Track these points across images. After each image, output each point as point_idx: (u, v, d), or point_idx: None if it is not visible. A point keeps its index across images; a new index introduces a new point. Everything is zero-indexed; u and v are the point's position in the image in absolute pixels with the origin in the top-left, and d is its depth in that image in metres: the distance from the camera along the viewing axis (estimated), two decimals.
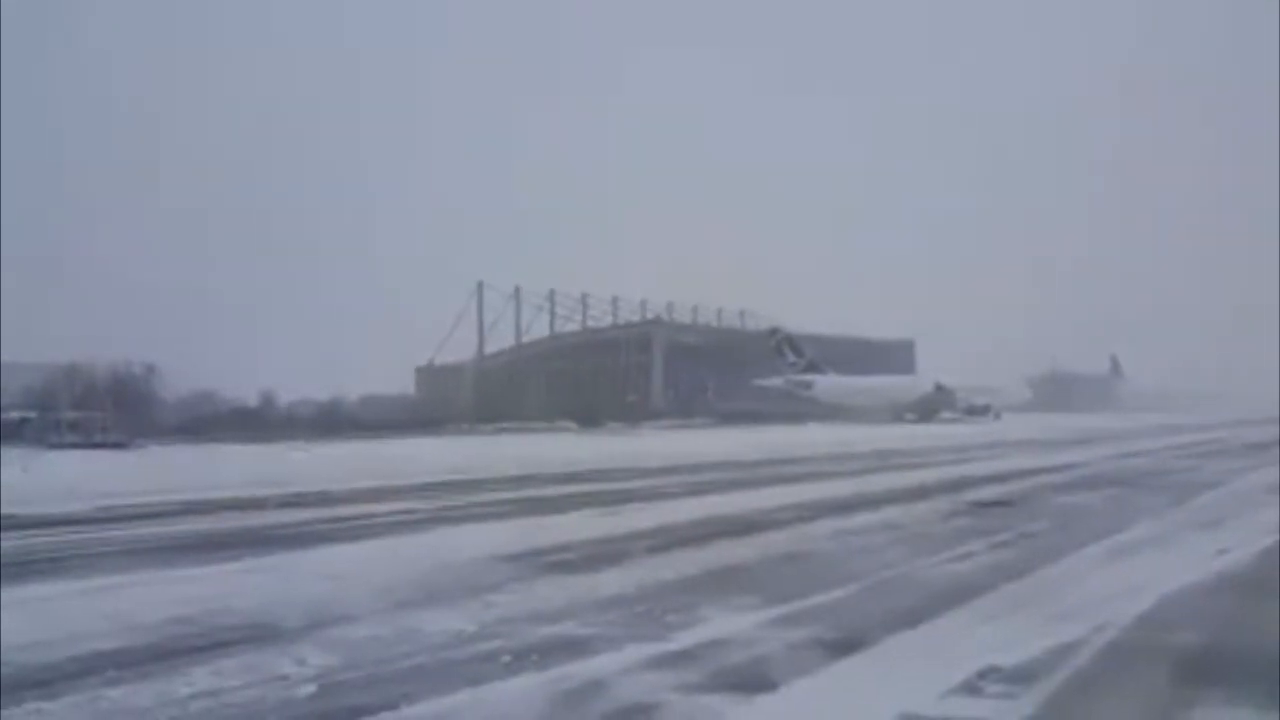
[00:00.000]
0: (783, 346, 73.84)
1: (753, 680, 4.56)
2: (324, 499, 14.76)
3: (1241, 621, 5.74)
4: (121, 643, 5.43)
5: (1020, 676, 4.56)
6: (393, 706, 4.16)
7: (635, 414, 63.10)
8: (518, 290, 79.07)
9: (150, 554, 9.23)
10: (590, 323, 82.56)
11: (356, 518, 12.27)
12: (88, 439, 30.91)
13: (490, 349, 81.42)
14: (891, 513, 11.49)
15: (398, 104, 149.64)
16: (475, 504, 14.02)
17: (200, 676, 4.67)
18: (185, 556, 8.87)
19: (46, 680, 4.66)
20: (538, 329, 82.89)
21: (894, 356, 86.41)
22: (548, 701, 4.25)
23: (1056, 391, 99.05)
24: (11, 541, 10.06)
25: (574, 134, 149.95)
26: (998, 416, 66.36)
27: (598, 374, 74.93)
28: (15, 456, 21.82)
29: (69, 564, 8.56)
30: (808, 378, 71.53)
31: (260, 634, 5.57)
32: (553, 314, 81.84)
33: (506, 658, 4.97)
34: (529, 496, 15.03)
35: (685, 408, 69.31)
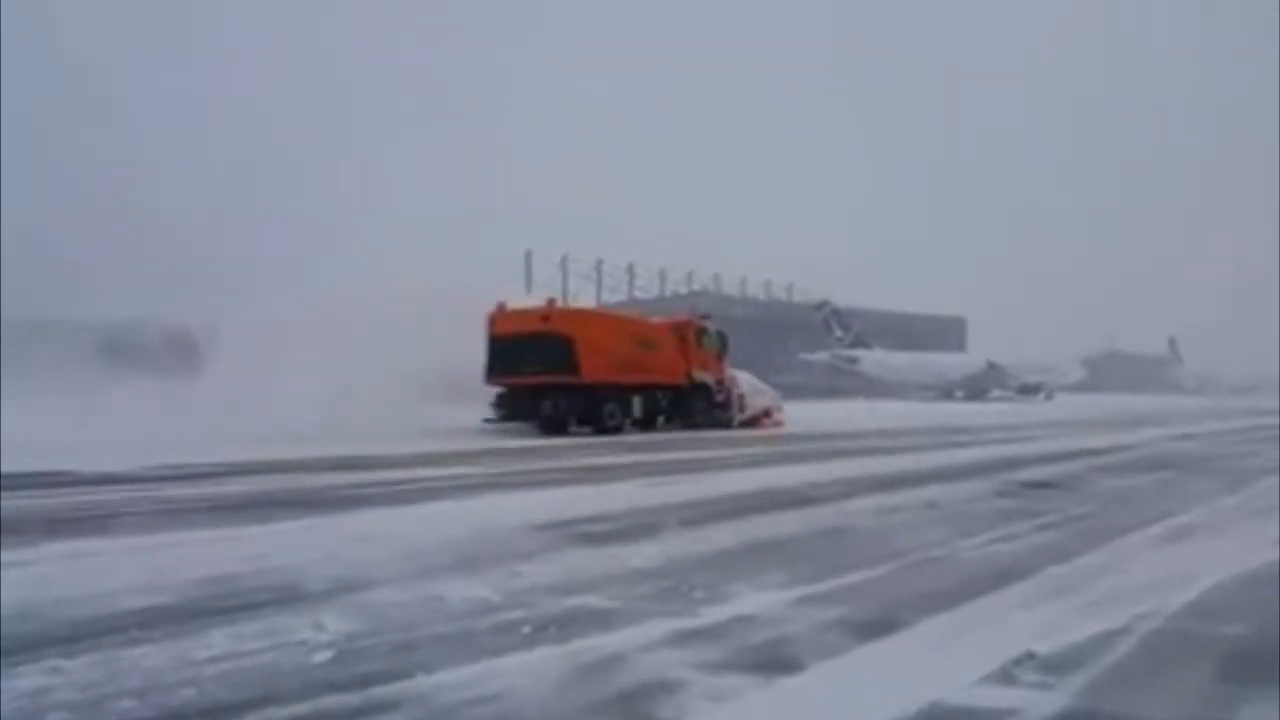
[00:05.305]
0: (830, 320, 73.10)
1: (775, 661, 4.47)
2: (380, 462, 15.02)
3: None
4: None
5: (1057, 665, 4.40)
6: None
7: None
8: (564, 259, 79.24)
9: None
10: (637, 294, 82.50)
11: (402, 481, 12.45)
12: None
13: None
14: (934, 491, 11.24)
15: (443, 72, 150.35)
16: (532, 471, 14.22)
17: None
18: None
19: None
20: (584, 299, 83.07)
21: (945, 333, 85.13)
22: (568, 671, 4.24)
23: (1113, 372, 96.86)
24: None
25: (626, 103, 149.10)
26: (1050, 396, 65.13)
27: None
28: None
29: None
30: (854, 353, 70.77)
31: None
32: (599, 284, 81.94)
33: (527, 629, 4.97)
34: (564, 466, 15.15)
35: None
